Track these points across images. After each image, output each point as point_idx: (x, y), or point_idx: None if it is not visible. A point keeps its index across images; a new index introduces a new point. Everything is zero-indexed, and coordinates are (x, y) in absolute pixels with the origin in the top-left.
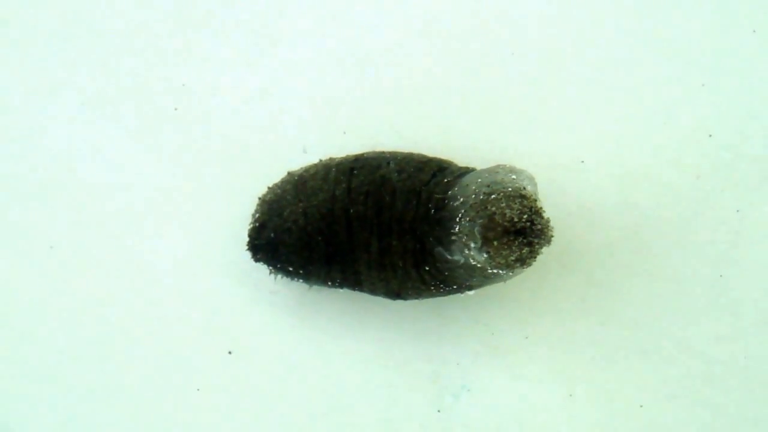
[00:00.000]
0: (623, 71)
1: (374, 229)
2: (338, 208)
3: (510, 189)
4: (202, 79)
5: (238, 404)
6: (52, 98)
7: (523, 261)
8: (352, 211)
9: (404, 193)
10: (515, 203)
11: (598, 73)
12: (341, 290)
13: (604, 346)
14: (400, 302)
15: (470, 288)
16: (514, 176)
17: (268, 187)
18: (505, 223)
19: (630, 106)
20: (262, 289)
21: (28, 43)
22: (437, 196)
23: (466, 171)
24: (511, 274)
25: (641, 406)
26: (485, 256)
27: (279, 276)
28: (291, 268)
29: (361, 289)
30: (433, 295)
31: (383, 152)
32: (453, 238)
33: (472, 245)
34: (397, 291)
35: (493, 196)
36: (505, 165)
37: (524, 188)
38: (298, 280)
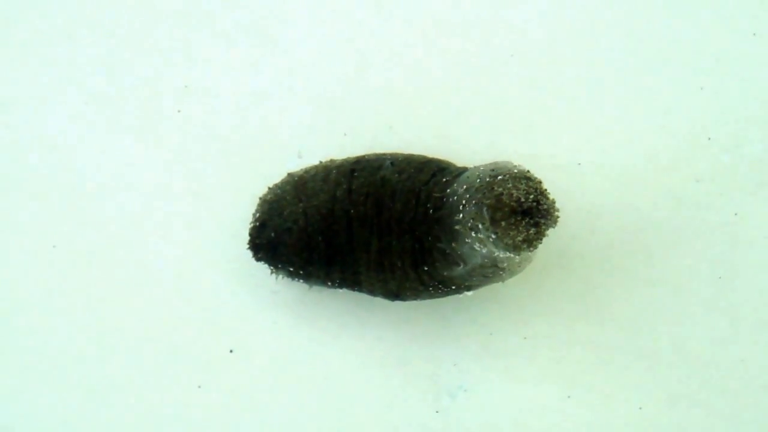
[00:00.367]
0: (622, 74)
1: (374, 229)
2: (338, 208)
3: (516, 171)
4: (205, 81)
5: (238, 402)
6: (56, 98)
7: (530, 242)
8: (352, 211)
9: (404, 194)
10: (521, 184)
11: (597, 75)
12: (341, 291)
13: (603, 348)
14: (399, 303)
15: (469, 289)
16: (515, 164)
17: (269, 187)
18: (513, 203)
19: (628, 108)
20: (263, 289)
21: (32, 43)
22: (435, 195)
23: (464, 171)
24: (510, 273)
25: (640, 408)
26: (493, 237)
27: (280, 276)
28: (291, 268)
29: (361, 290)
30: (431, 296)
31: (383, 154)
32: (456, 227)
33: (480, 226)
34: (395, 292)
35: (499, 177)
36: (504, 161)
37: (528, 171)
38: (298, 280)
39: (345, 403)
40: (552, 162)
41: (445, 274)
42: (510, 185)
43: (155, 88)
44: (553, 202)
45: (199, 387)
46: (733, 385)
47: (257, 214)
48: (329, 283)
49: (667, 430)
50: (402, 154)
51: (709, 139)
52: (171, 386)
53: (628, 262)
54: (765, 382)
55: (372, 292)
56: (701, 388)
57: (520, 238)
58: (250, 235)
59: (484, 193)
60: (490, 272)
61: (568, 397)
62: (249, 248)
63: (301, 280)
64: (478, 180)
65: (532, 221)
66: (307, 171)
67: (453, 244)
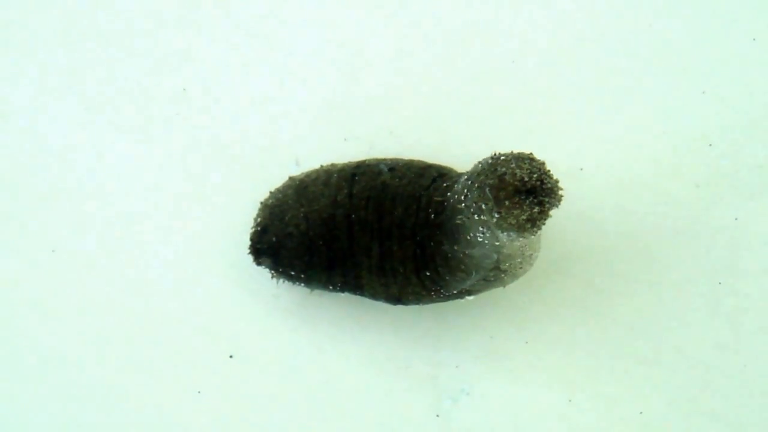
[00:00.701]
0: (623, 79)
1: (375, 234)
2: (340, 213)
3: (517, 152)
4: (204, 85)
5: (239, 407)
6: (55, 102)
7: (534, 222)
8: (353, 216)
9: (405, 199)
10: (524, 164)
11: (598, 80)
12: (342, 294)
13: (604, 352)
14: (400, 307)
15: (470, 293)
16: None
17: (270, 192)
18: (516, 183)
19: (630, 113)
20: (263, 293)
21: (31, 48)
22: (437, 199)
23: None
24: (511, 277)
25: (640, 413)
26: (496, 217)
27: (280, 280)
28: (292, 272)
29: (362, 294)
30: (433, 301)
31: (384, 159)
32: (459, 220)
33: (483, 207)
34: (397, 296)
35: (502, 158)
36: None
37: (531, 152)
38: (299, 284)
39: (346, 407)
40: (553, 167)
41: (447, 278)
42: (513, 165)
43: (154, 92)
44: (557, 181)
45: (199, 392)
46: (734, 389)
47: (258, 219)
48: (330, 287)
49: None
50: (403, 160)
51: (710, 144)
52: (171, 391)
53: (629, 267)
54: (766, 386)
55: (374, 296)
56: (702, 393)
57: (524, 217)
58: (251, 239)
59: (487, 174)
60: (492, 275)
61: (569, 401)
62: (250, 253)
63: (302, 284)
64: (480, 165)
65: (536, 200)
66: (308, 175)
67: (455, 247)
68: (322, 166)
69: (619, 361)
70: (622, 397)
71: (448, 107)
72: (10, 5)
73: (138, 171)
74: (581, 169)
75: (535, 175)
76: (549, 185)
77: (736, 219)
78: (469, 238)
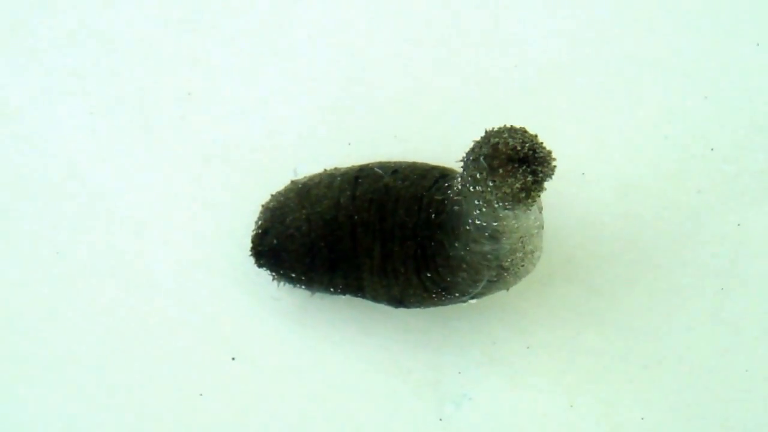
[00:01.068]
0: (625, 83)
1: (377, 235)
2: (342, 215)
3: (510, 124)
4: (208, 89)
5: (240, 409)
6: (60, 105)
7: (528, 191)
8: (356, 217)
9: (407, 200)
10: (517, 134)
11: (600, 85)
12: (344, 297)
13: (606, 357)
14: (402, 311)
15: (473, 296)
16: None
17: (272, 195)
18: (509, 151)
19: (632, 118)
20: (264, 296)
21: (36, 52)
22: (437, 197)
23: None
24: (514, 277)
25: (642, 418)
26: (490, 185)
27: (282, 283)
28: (294, 275)
29: (364, 296)
30: (435, 304)
31: (388, 162)
32: (456, 206)
33: (478, 176)
34: (399, 298)
35: (495, 129)
36: None
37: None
38: (300, 287)
39: (348, 411)
40: (556, 171)
41: (448, 279)
42: (506, 135)
43: (158, 96)
44: (550, 152)
45: (201, 394)
46: (736, 394)
47: (260, 221)
48: (332, 290)
49: None
50: (406, 162)
51: (712, 149)
52: (172, 393)
53: (631, 272)
54: (767, 392)
55: (375, 298)
56: (704, 398)
57: (518, 186)
58: (253, 242)
59: (481, 146)
60: (494, 275)
61: (571, 406)
62: (251, 255)
63: (304, 287)
64: (474, 142)
65: (529, 169)
66: (311, 178)
67: (456, 244)
68: (325, 169)
69: (621, 367)
70: (623, 402)
71: (451, 111)
72: (16, 8)
73: (142, 174)
74: (583, 174)
75: (527, 145)
76: (542, 154)
77: (738, 224)
78: (468, 228)
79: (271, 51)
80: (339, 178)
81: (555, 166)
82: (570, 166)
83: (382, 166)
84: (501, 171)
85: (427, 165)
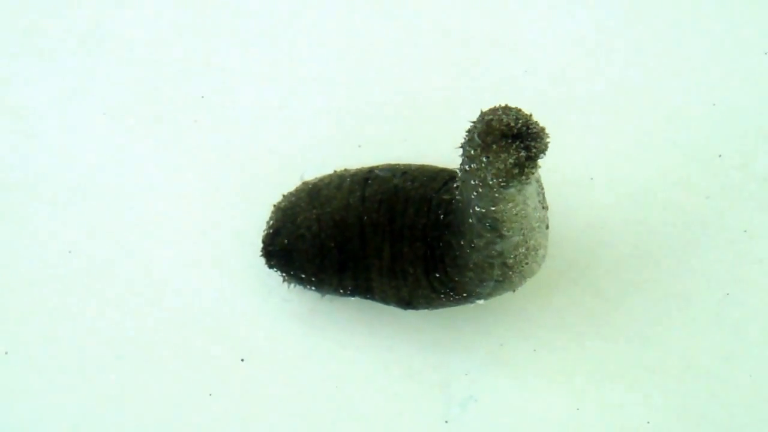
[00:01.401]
0: (634, 90)
1: (387, 235)
2: (352, 215)
3: (505, 104)
4: (221, 92)
5: (249, 410)
6: (74, 107)
7: (522, 168)
8: (365, 218)
9: (416, 201)
10: (511, 112)
11: (609, 92)
12: (353, 299)
13: (612, 361)
14: (410, 313)
15: (480, 297)
16: None
17: (283, 195)
18: (503, 127)
19: (641, 125)
20: (275, 297)
21: (51, 54)
22: (445, 197)
23: None
24: (519, 277)
25: (648, 422)
26: (484, 161)
27: (292, 285)
28: (304, 275)
29: (373, 298)
30: (443, 305)
31: (398, 164)
32: (458, 193)
33: (472, 153)
34: (407, 299)
35: (489, 108)
36: None
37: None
38: (311, 288)
39: (355, 412)
40: (564, 176)
41: (456, 279)
42: (500, 112)
43: (172, 98)
44: (543, 128)
45: (210, 395)
46: (741, 399)
47: (271, 222)
48: (341, 291)
49: None
50: (415, 165)
51: (720, 156)
52: (182, 393)
53: (638, 277)
54: None
55: (384, 299)
56: (709, 402)
57: (511, 161)
58: (264, 242)
59: (476, 124)
60: (499, 274)
61: (577, 409)
62: (262, 255)
63: (313, 288)
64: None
65: (522, 145)
66: (321, 179)
67: (461, 242)
68: (335, 171)
69: (627, 371)
70: (629, 406)
71: (461, 116)
72: (33, 10)
73: (154, 175)
74: (592, 179)
75: (521, 121)
76: (535, 130)
77: (744, 231)
78: (471, 221)
79: (282, 55)
80: (349, 180)
81: (548, 142)
82: (579, 171)
83: (392, 168)
84: (494, 147)
85: (436, 167)
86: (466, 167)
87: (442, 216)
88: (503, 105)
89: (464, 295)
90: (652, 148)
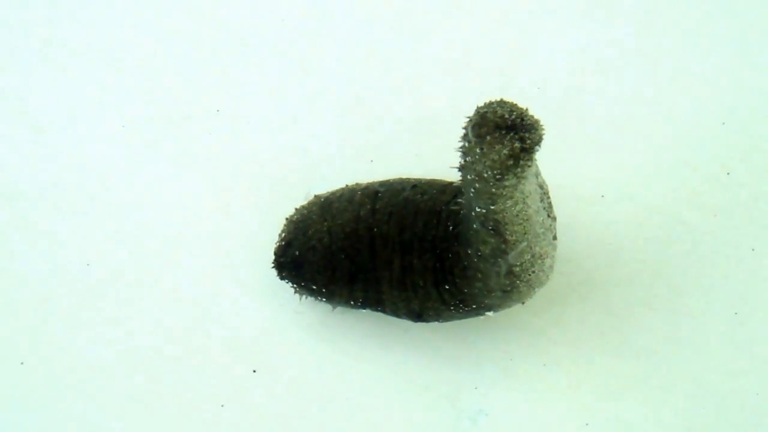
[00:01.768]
0: (645, 108)
1: (396, 247)
2: (362, 227)
3: (501, 98)
4: (236, 106)
5: (261, 421)
6: (92, 119)
7: (516, 160)
8: (375, 230)
9: (426, 214)
10: (506, 105)
11: (620, 109)
12: (364, 312)
13: (621, 377)
14: (420, 326)
15: (489, 308)
16: None
17: (296, 208)
18: (497, 119)
19: (651, 143)
20: (287, 309)
21: (71, 68)
22: (453, 209)
23: None
24: (527, 287)
25: None
26: (478, 153)
27: (304, 296)
28: (315, 287)
29: (384, 310)
30: (453, 317)
31: (408, 178)
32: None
33: (467, 145)
34: (418, 312)
35: (485, 102)
36: None
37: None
38: (322, 300)
39: (366, 425)
40: (576, 193)
41: (465, 291)
42: (495, 105)
43: (188, 112)
44: (538, 120)
45: (222, 406)
46: (749, 417)
47: (283, 234)
48: (352, 303)
49: None
50: (426, 178)
51: (729, 174)
52: (194, 404)
53: (647, 295)
54: None
55: (395, 311)
56: (717, 420)
57: (505, 152)
58: (275, 254)
59: (472, 118)
60: (507, 284)
61: (586, 424)
62: (273, 267)
63: (325, 300)
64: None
65: (516, 136)
66: (333, 193)
67: (468, 251)
68: (347, 185)
69: (636, 387)
70: (638, 422)
71: None
72: (51, 24)
73: (170, 187)
74: (603, 196)
75: (515, 113)
76: (529, 122)
77: (753, 249)
78: (474, 227)
79: (297, 70)
80: (360, 193)
81: (543, 134)
82: (590, 188)
83: (403, 181)
84: (488, 138)
85: (446, 181)
86: (462, 161)
87: (451, 228)
88: (499, 98)
89: (474, 306)
90: (662, 165)
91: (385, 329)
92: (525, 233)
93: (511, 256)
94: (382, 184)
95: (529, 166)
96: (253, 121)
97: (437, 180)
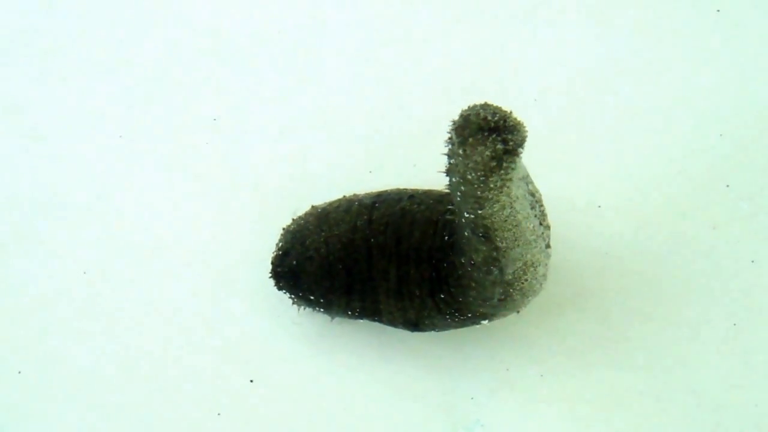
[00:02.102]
0: (642, 119)
1: (393, 258)
2: (359, 237)
3: (485, 101)
4: (233, 116)
5: (257, 430)
6: (92, 129)
7: (500, 162)
8: (372, 240)
9: (422, 224)
10: (489, 108)
11: (618, 120)
12: (361, 322)
13: (618, 388)
14: (417, 336)
15: (485, 317)
16: None
17: (293, 219)
18: (479, 121)
19: (648, 153)
20: (284, 320)
21: (69, 78)
22: (449, 218)
23: None
24: (521, 295)
25: None
26: (461, 154)
27: (301, 307)
28: (312, 297)
29: (381, 320)
30: (449, 326)
31: (405, 189)
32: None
33: (452, 147)
34: (414, 321)
35: (469, 106)
36: None
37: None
38: (319, 310)
39: None
40: (572, 204)
41: (460, 300)
42: (478, 108)
43: (185, 121)
44: (521, 122)
45: (219, 414)
46: (747, 428)
47: (280, 244)
48: (350, 312)
49: None
50: (423, 189)
51: (727, 186)
52: (191, 413)
53: (644, 306)
54: None
55: (392, 321)
56: (714, 431)
57: (488, 153)
58: (273, 264)
59: (456, 120)
60: (500, 292)
61: None
62: (271, 277)
63: (322, 310)
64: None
65: (499, 138)
66: (330, 204)
67: (462, 260)
68: (344, 196)
69: (633, 398)
70: None
71: None
72: (52, 35)
73: (167, 197)
74: (599, 207)
75: (498, 115)
76: (512, 123)
77: (752, 261)
78: (466, 234)
79: (295, 80)
80: (357, 204)
81: (526, 136)
82: (586, 199)
83: (399, 192)
84: (471, 140)
85: (442, 191)
86: (448, 164)
87: (446, 237)
88: (482, 102)
89: (469, 315)
90: (659, 176)
91: (382, 339)
92: (515, 240)
93: (503, 264)
94: (379, 194)
95: (513, 168)
96: (251, 132)
97: (434, 190)
